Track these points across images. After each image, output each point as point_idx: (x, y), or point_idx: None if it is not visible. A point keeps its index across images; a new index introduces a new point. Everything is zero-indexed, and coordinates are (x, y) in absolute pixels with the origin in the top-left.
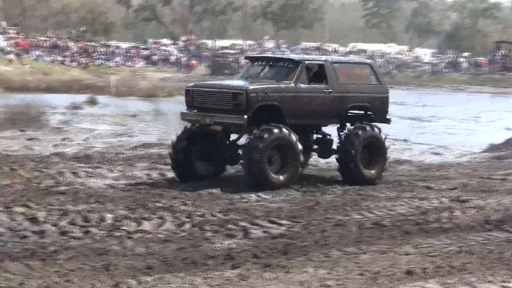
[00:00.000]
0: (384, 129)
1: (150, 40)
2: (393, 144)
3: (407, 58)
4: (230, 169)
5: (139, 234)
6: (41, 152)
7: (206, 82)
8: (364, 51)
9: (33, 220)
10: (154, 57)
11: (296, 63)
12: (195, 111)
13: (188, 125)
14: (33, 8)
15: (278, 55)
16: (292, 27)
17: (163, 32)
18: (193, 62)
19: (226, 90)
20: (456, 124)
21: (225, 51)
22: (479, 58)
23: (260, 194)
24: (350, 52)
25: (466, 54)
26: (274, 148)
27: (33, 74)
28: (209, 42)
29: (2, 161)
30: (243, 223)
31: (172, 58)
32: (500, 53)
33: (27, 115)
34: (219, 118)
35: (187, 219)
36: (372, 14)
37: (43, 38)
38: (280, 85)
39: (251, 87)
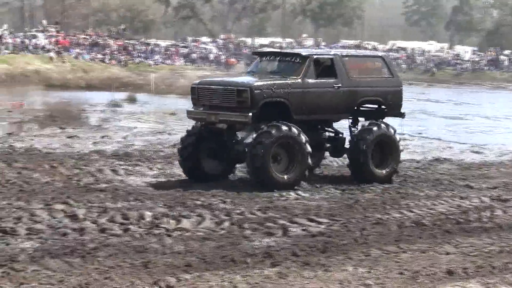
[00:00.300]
0: (419, 127)
1: (190, 38)
2: (430, 142)
3: (447, 56)
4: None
5: (178, 232)
6: (81, 150)
7: (211, 79)
8: (404, 49)
9: (73, 217)
10: (193, 55)
11: (304, 57)
12: (201, 109)
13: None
14: (74, 7)
15: (286, 49)
16: (331, 25)
17: (202, 30)
18: (232, 60)
19: (231, 87)
20: (497, 122)
21: (264, 49)
22: None
23: (299, 192)
24: (389, 50)
25: (507, 51)
26: (281, 146)
27: (73, 72)
28: (248, 40)
29: (43, 159)
30: (282, 221)
31: (211, 56)
32: None
33: (67, 113)
34: (224, 115)
35: (226, 217)
36: (412, 11)
37: (83, 36)
38: (287, 81)
39: (256, 84)
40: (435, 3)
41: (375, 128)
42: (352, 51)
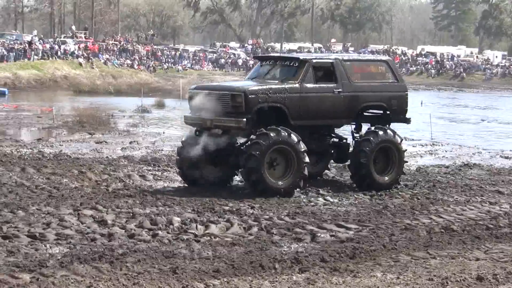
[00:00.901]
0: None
1: (218, 44)
2: (460, 148)
3: (476, 60)
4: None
5: (207, 238)
6: (109, 155)
7: (207, 84)
8: (433, 53)
9: (102, 222)
10: (222, 60)
11: (302, 62)
12: (198, 114)
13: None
14: (103, 12)
15: (285, 54)
16: (360, 30)
17: (231, 35)
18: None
19: (225, 92)
20: None
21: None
22: None
23: (327, 197)
24: (419, 55)
25: None
26: (278, 152)
27: (102, 77)
28: (277, 45)
29: (72, 164)
30: (310, 227)
31: (240, 62)
32: None
33: (96, 118)
34: (218, 121)
35: (255, 223)
36: (441, 16)
37: (112, 42)
38: (284, 86)
39: (250, 88)
40: (465, 8)
41: (377, 134)
42: (355, 55)
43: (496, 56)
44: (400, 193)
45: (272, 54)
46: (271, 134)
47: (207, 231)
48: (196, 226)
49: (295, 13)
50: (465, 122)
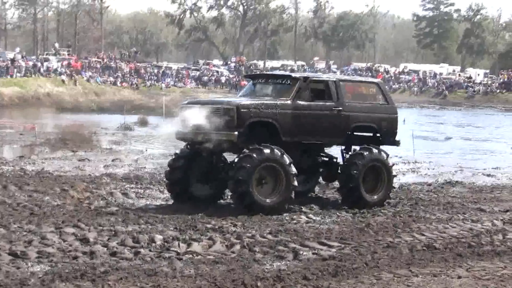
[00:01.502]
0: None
1: (201, 61)
2: (442, 165)
3: (459, 78)
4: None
5: (189, 255)
6: (92, 173)
7: (198, 99)
8: (416, 71)
9: (84, 240)
10: (205, 78)
11: (294, 79)
12: (190, 129)
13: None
14: (86, 30)
15: (277, 72)
16: (343, 48)
17: (214, 53)
18: (245, 82)
19: (218, 106)
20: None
21: (277, 72)
22: None
23: (310, 215)
24: (401, 73)
25: None
26: (265, 169)
27: (85, 94)
28: (260, 63)
29: (54, 182)
30: (293, 245)
31: (223, 79)
32: None
33: (79, 136)
34: (210, 135)
35: (237, 240)
36: (424, 34)
37: (95, 59)
38: (276, 102)
39: (242, 103)
40: (447, 26)
41: (366, 153)
42: (347, 77)
43: (478, 74)
44: (382, 210)
45: (263, 73)
46: (265, 151)
47: (189, 249)
48: (179, 244)
49: (278, 31)
50: (448, 139)
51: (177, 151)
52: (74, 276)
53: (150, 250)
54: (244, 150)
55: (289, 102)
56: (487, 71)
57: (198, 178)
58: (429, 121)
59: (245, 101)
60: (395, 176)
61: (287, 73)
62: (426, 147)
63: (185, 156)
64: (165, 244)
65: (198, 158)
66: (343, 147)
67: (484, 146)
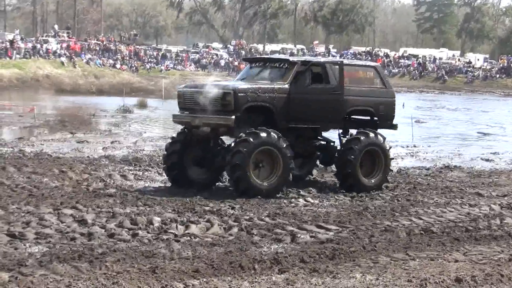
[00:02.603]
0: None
1: (201, 44)
2: (441, 150)
3: (458, 63)
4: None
5: (187, 238)
6: (90, 155)
7: (196, 83)
8: (415, 56)
9: (82, 222)
10: (204, 61)
11: (292, 63)
12: (187, 113)
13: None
14: (85, 12)
15: (275, 55)
16: (343, 32)
17: (214, 36)
18: (244, 66)
19: (215, 90)
20: (507, 130)
21: (275, 55)
22: None
23: (308, 198)
24: (401, 57)
25: None
26: (262, 153)
27: (84, 77)
28: (260, 46)
29: (52, 163)
30: (290, 228)
31: (222, 62)
32: None
33: (78, 118)
34: (207, 119)
35: (235, 223)
36: (424, 18)
37: (94, 42)
38: (273, 86)
39: (240, 87)
40: (447, 10)
41: (363, 138)
42: (345, 60)
43: (478, 59)
44: (380, 194)
45: (261, 56)
46: (261, 134)
47: (187, 231)
48: (176, 226)
49: (278, 14)
50: (448, 124)
51: (174, 135)
52: (71, 257)
53: (148, 232)
54: (241, 134)
55: (286, 86)
56: (487, 56)
57: (195, 162)
58: (429, 106)
59: (243, 85)
60: (393, 159)
61: (285, 57)
62: (425, 131)
63: (182, 140)
64: (163, 226)
65: (195, 141)
66: (340, 131)
67: (484, 130)
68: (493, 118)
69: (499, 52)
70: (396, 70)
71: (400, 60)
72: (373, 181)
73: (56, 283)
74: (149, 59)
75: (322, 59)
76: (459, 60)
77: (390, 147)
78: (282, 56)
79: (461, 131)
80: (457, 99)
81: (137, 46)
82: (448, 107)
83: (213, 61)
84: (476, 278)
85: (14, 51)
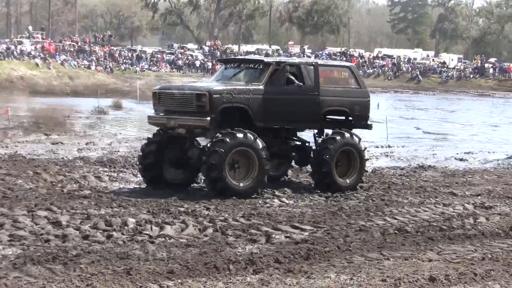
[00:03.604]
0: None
1: (176, 45)
2: (415, 150)
3: (433, 63)
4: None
5: (161, 239)
6: (65, 156)
7: (171, 84)
8: (390, 56)
9: (56, 223)
10: (179, 62)
11: (267, 64)
12: (162, 114)
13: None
14: (60, 13)
15: (249, 56)
16: (318, 32)
17: (189, 37)
18: (219, 66)
19: (190, 92)
20: (481, 130)
21: (250, 56)
22: (505, 64)
23: (283, 199)
24: (376, 57)
25: (492, 59)
26: (238, 153)
27: (58, 78)
28: (235, 47)
29: (27, 165)
30: (265, 228)
31: (198, 63)
32: None
33: (52, 119)
34: (183, 120)
35: (210, 224)
36: (398, 19)
37: (69, 43)
38: (248, 87)
39: (215, 88)
40: (421, 11)
41: (338, 138)
42: (320, 61)
43: (452, 59)
44: (355, 194)
45: (236, 57)
46: (238, 135)
47: (162, 232)
48: (151, 227)
49: (253, 15)
50: (421, 124)
51: (150, 136)
52: (46, 259)
53: (122, 234)
54: (217, 134)
55: (261, 87)
56: (461, 56)
57: (171, 163)
58: (403, 106)
59: (218, 86)
60: (368, 160)
61: (260, 57)
62: (400, 132)
63: (158, 141)
64: (138, 227)
65: (171, 142)
66: (315, 131)
67: (458, 131)
68: (456, 118)
69: (473, 52)
70: (371, 71)
71: (374, 61)
72: (348, 181)
73: (30, 285)
74: (124, 60)
75: (297, 60)
76: (433, 60)
77: (365, 148)
78: (257, 57)
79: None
80: (431, 99)
81: (112, 47)
82: (423, 107)
83: (188, 62)
84: (450, 277)
85: None
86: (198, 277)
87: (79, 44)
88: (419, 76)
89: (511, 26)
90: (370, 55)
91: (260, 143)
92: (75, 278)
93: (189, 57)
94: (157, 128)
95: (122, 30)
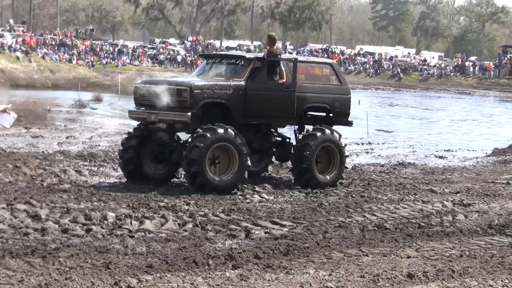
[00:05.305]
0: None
1: (158, 40)
2: (395, 147)
3: (414, 61)
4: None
5: (141, 233)
6: (45, 150)
7: (153, 79)
8: (371, 53)
9: (35, 217)
10: (161, 57)
11: (248, 60)
12: (143, 109)
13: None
14: (41, 6)
15: (231, 52)
16: (299, 29)
17: (171, 31)
18: (200, 61)
19: (171, 87)
20: (461, 127)
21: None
22: (486, 62)
23: (263, 194)
24: (358, 54)
25: (473, 58)
26: (219, 149)
27: (39, 71)
28: (217, 43)
29: (6, 159)
30: (245, 224)
31: (179, 58)
32: (506, 58)
33: (33, 113)
34: (163, 115)
35: (190, 219)
36: (380, 16)
37: (50, 36)
38: (229, 82)
39: (196, 84)
40: (403, 9)
41: (319, 134)
42: (301, 57)
43: (433, 57)
44: (335, 191)
45: (218, 53)
46: (218, 130)
47: (141, 227)
48: (131, 221)
49: (235, 11)
50: (402, 121)
51: (130, 130)
52: (24, 252)
53: (102, 228)
54: (198, 129)
55: (242, 83)
56: (442, 54)
57: (151, 157)
58: (384, 103)
59: (199, 82)
60: (348, 156)
61: (241, 53)
62: (381, 129)
63: (138, 135)
64: (117, 221)
65: (151, 137)
66: (296, 127)
67: (438, 128)
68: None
69: (453, 50)
70: (352, 68)
71: (356, 58)
72: (328, 177)
73: (8, 279)
74: (106, 54)
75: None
76: (414, 58)
77: (346, 144)
78: (238, 53)
79: (416, 128)
80: (411, 96)
81: (94, 41)
82: (404, 104)
83: (170, 56)
84: (428, 273)
85: None
86: (177, 272)
87: (61, 37)
88: (400, 74)
89: (491, 25)
90: (351, 52)
91: (240, 139)
92: (53, 271)
93: (171, 52)
94: (138, 123)
95: (104, 24)
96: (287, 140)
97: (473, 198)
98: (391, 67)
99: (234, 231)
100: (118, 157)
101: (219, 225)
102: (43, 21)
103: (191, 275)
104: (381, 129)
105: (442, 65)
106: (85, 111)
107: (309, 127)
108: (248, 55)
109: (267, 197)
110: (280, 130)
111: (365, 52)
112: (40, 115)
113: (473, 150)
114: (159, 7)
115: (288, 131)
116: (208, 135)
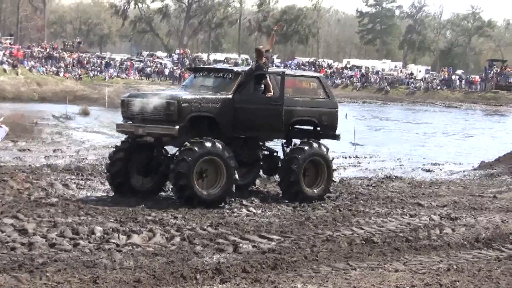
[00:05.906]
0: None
1: (145, 53)
2: (382, 160)
3: (401, 74)
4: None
5: (129, 247)
6: (32, 164)
7: (140, 92)
8: (358, 67)
9: (22, 231)
10: (148, 70)
11: (236, 74)
12: (131, 122)
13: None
14: (29, 18)
15: (219, 65)
16: (287, 42)
17: (158, 44)
18: (188, 75)
19: (159, 100)
20: (448, 141)
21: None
22: (472, 76)
23: (251, 208)
24: (345, 68)
25: (459, 71)
26: (206, 162)
27: (26, 84)
28: (204, 56)
29: None
30: (233, 237)
31: (167, 71)
32: (493, 71)
33: (20, 126)
34: (151, 128)
35: (177, 233)
36: (367, 30)
37: (37, 49)
38: (217, 96)
39: (184, 97)
40: (390, 22)
41: (306, 148)
42: (289, 71)
43: (420, 71)
44: (322, 204)
45: (206, 66)
46: (206, 144)
47: (129, 241)
48: (118, 235)
49: (222, 24)
50: (389, 135)
51: (118, 143)
52: (11, 267)
53: (89, 242)
54: (186, 143)
55: (230, 96)
56: (428, 67)
57: (139, 171)
58: (371, 117)
59: (186, 95)
60: (335, 170)
61: (229, 67)
62: (368, 142)
63: (126, 149)
64: (105, 236)
65: (139, 150)
66: (283, 141)
67: (425, 142)
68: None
69: (440, 64)
70: (339, 81)
71: (343, 71)
72: (316, 191)
73: None
74: (93, 67)
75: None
76: (401, 71)
77: (333, 158)
78: (226, 66)
79: (403, 142)
80: (398, 110)
81: (81, 54)
82: (391, 118)
83: (157, 69)
84: (415, 287)
85: None
86: (165, 286)
87: (48, 50)
88: (387, 87)
89: (477, 39)
90: (338, 65)
91: (228, 152)
92: (41, 286)
93: (158, 65)
94: (125, 136)
95: (91, 37)
96: (275, 153)
97: (460, 211)
98: (378, 80)
99: (221, 245)
100: (105, 171)
101: (206, 239)
102: (31, 33)
103: None
104: (367, 143)
105: (429, 79)
106: (72, 124)
107: (296, 141)
108: (236, 69)
109: (254, 211)
110: (268, 143)
111: (352, 65)
112: (27, 128)
113: (460, 164)
114: (147, 20)
115: (275, 145)
116: (196, 148)
